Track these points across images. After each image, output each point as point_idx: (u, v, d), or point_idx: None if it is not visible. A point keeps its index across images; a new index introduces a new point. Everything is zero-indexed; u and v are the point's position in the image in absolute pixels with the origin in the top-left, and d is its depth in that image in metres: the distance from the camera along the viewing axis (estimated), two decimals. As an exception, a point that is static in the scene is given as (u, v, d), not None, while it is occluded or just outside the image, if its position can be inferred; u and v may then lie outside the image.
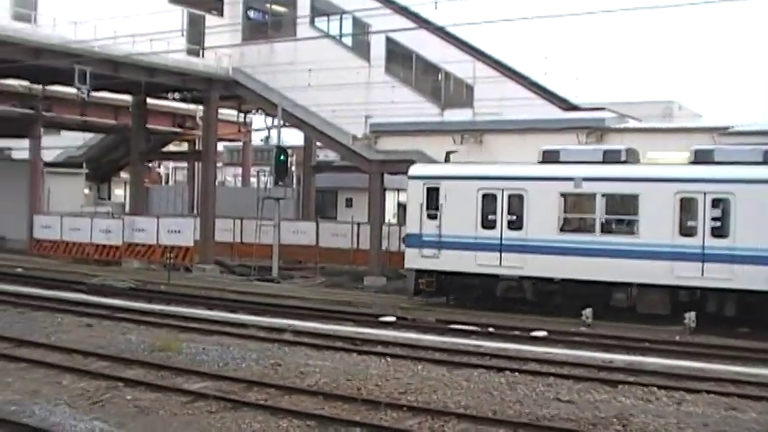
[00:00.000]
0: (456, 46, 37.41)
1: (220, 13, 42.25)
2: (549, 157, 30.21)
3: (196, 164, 56.92)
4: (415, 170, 32.66)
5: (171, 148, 64.03)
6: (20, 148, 58.06)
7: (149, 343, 22.08)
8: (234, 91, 43.37)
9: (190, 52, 39.49)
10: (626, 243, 28.36)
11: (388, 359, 20.80)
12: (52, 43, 33.79)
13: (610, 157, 29.36)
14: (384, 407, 15.80)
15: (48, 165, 56.47)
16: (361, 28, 40.11)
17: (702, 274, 27.01)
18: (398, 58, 39.48)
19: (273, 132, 45.43)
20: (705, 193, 27.26)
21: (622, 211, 29.54)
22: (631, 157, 29.66)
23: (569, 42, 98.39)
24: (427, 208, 31.34)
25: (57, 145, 64.97)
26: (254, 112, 54.95)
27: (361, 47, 40.34)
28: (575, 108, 35.49)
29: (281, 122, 41.95)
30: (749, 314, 26.76)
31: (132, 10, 36.68)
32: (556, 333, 24.85)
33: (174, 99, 44.91)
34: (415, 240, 31.60)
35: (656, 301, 27.88)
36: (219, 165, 61.75)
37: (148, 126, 50.16)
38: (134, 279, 36.21)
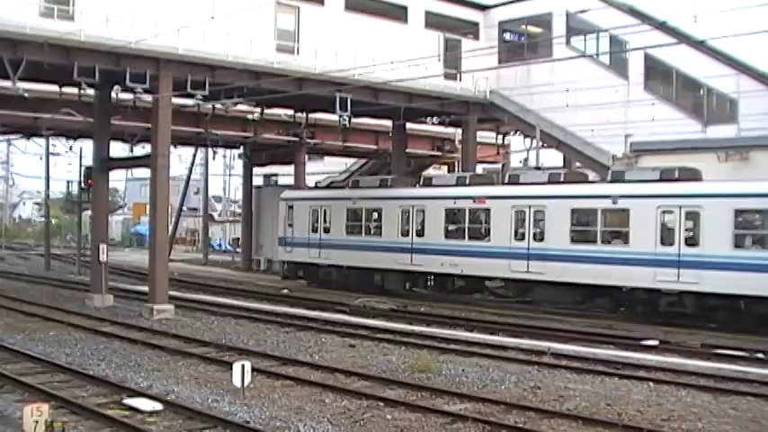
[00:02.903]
0: (718, 60, 36.18)
1: (476, 37, 42.57)
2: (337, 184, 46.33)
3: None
4: (282, 194, 47.65)
5: (431, 171, 64.90)
6: (285, 174, 60.46)
7: (409, 364, 22.40)
8: (491, 113, 43.50)
9: (447, 76, 39.84)
10: (376, 241, 40.48)
11: (651, 384, 20.26)
12: (314, 73, 34.95)
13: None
14: (646, 433, 15.42)
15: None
16: (618, 46, 39.42)
17: (411, 261, 38.64)
18: (657, 74, 38.58)
19: (532, 154, 45.26)
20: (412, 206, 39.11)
21: (373, 219, 41.25)
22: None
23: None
24: (287, 219, 45.74)
25: (320, 170, 67.21)
26: (512, 133, 54.92)
27: (618, 65, 39.68)
28: None
29: (540, 143, 41.74)
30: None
31: (390, 38, 37.63)
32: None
33: (432, 123, 45.47)
34: (281, 241, 46.29)
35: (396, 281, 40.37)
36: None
37: (408, 150, 51.04)
38: (395, 301, 36.82)
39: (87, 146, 49.12)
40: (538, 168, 39.43)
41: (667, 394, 19.19)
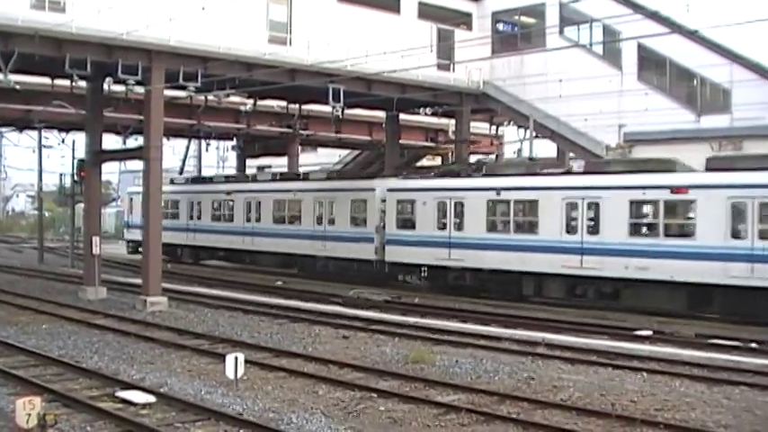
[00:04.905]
0: (711, 49, 36.12)
1: (469, 27, 42.45)
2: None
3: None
4: (127, 189, 59.21)
5: (424, 162, 64.92)
6: (279, 166, 60.42)
7: (403, 355, 22.44)
8: (485, 104, 43.48)
9: (440, 67, 39.82)
10: (175, 224, 52.38)
11: (644, 374, 20.28)
12: (306, 64, 34.85)
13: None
14: (639, 423, 15.44)
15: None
16: (611, 35, 39.38)
17: (195, 239, 52.79)
18: (651, 64, 38.53)
19: (526, 144, 45.24)
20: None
21: (175, 207, 54.17)
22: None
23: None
24: (129, 208, 58.80)
25: (314, 162, 67.27)
26: (505, 124, 54.89)
27: (612, 55, 39.63)
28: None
29: (533, 134, 41.70)
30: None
31: (383, 28, 37.56)
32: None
33: (425, 114, 45.43)
34: (125, 224, 60.33)
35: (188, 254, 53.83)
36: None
37: (402, 141, 50.98)
38: (389, 292, 36.79)
39: (80, 138, 48.95)
40: (531, 159, 39.46)
41: (661, 384, 19.20)
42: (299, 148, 58.27)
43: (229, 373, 18.19)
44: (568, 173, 34.47)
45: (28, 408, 13.98)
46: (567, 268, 32.21)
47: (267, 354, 22.75)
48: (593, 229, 31.67)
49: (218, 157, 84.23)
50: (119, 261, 53.21)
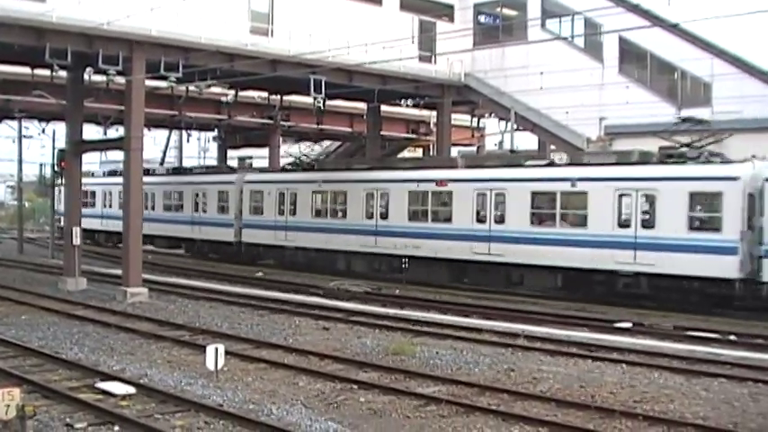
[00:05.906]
0: (692, 43, 36.20)
1: (451, 19, 42.39)
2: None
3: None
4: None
5: (405, 153, 64.92)
6: (260, 157, 60.37)
7: (383, 346, 22.45)
8: (466, 96, 43.46)
9: (422, 59, 39.82)
10: (96, 212, 60.34)
11: (624, 366, 20.34)
12: (288, 55, 34.77)
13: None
14: (619, 415, 15.49)
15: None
16: (593, 28, 39.42)
17: (101, 224, 59.65)
18: (632, 57, 38.62)
19: (507, 136, 45.28)
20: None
21: (91, 198, 61.22)
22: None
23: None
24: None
25: (296, 153, 67.11)
26: (486, 116, 54.90)
27: (593, 48, 39.70)
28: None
29: (514, 126, 41.75)
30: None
31: (365, 20, 37.51)
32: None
33: (407, 106, 45.41)
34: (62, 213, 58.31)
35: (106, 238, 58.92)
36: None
37: (383, 133, 50.94)
38: (369, 284, 36.78)
39: (60, 128, 48.80)
40: (512, 151, 39.54)
41: (640, 376, 19.26)
42: (281, 138, 58.15)
43: (210, 365, 18.16)
44: (371, 168, 40.88)
45: (7, 399, 13.91)
46: (366, 247, 39.31)
47: (247, 345, 22.73)
48: (385, 215, 38.64)
49: (200, 148, 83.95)
50: (99, 252, 53.08)
